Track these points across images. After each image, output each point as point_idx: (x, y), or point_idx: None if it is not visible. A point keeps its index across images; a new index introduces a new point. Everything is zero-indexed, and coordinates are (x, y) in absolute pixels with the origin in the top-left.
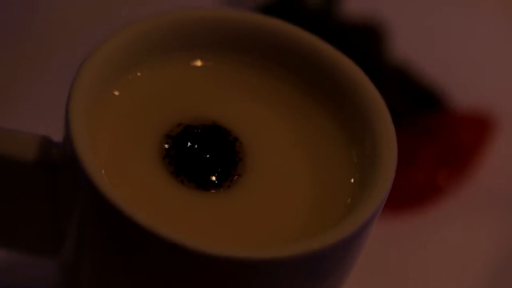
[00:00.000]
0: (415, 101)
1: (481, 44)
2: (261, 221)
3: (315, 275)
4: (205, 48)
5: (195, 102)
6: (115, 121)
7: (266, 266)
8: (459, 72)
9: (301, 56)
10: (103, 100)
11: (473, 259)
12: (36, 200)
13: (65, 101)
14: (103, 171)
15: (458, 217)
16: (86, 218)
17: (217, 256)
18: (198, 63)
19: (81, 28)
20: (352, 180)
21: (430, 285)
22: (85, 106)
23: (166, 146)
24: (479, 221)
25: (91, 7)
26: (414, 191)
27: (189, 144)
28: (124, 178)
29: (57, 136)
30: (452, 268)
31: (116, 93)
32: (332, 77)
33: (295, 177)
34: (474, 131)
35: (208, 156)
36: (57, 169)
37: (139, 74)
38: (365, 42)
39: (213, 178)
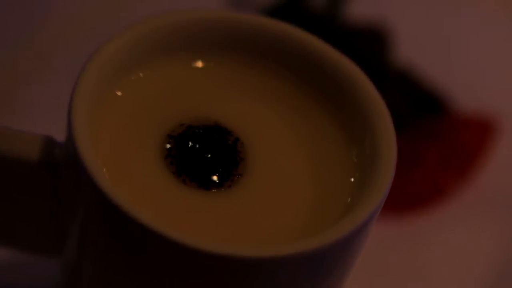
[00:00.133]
0: (418, 104)
1: (484, 48)
2: (261, 220)
3: (315, 274)
4: (207, 49)
5: (197, 103)
6: (117, 121)
7: (266, 265)
8: (462, 75)
9: (302, 57)
10: (105, 100)
11: (476, 261)
12: (39, 200)
13: (68, 101)
14: (105, 170)
15: (461, 219)
16: (88, 217)
17: (219, 255)
18: (200, 63)
19: (84, 29)
20: (352, 180)
21: (433, 286)
22: (88, 106)
23: (168, 146)
24: (481, 223)
25: (94, 8)
26: (417, 193)
27: (190, 144)
28: (126, 178)
29: (60, 136)
30: (455, 270)
31: (119, 93)
32: (332, 77)
33: (295, 176)
34: (477, 133)
35: (209, 156)
36: (60, 169)
37: (141, 74)
38: (369, 45)
39: (215, 177)
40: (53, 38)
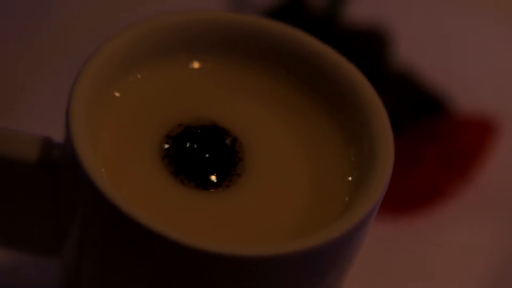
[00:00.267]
0: (418, 105)
1: (483, 48)
2: (259, 219)
3: (313, 273)
4: (205, 50)
5: (195, 103)
6: (115, 122)
7: (264, 264)
8: (462, 76)
9: (300, 58)
10: (103, 101)
11: (476, 260)
12: (38, 201)
13: (66, 102)
14: (103, 171)
15: (460, 220)
16: (87, 218)
17: (217, 254)
18: (198, 64)
19: (82, 29)
20: (350, 179)
21: (433, 286)
22: (86, 107)
23: (166, 146)
24: (481, 223)
25: (94, 8)
26: (417, 193)
27: (188, 144)
28: (124, 178)
29: (58, 137)
30: (455, 270)
31: (117, 94)
32: (331, 78)
33: (293, 176)
34: (477, 134)
35: (207, 156)
36: (59, 169)
37: (139, 76)
38: (369, 47)
39: (213, 177)
40: (52, 39)
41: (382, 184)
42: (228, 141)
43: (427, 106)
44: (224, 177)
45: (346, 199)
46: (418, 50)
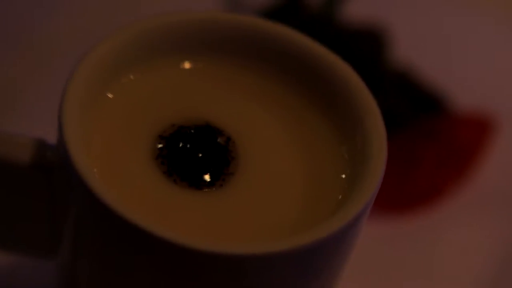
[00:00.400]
0: (416, 104)
1: (481, 47)
2: (253, 218)
3: (307, 271)
4: (197, 50)
5: (189, 103)
6: (108, 123)
7: (256, 262)
8: (460, 74)
9: (293, 56)
10: (97, 102)
11: (475, 259)
12: (33, 203)
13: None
14: (96, 172)
15: (459, 218)
16: (81, 219)
17: (211, 253)
18: (190, 65)
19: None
20: (343, 177)
21: (432, 285)
22: (79, 108)
23: (159, 146)
24: (480, 222)
25: (94, 8)
26: (416, 192)
27: (181, 144)
28: (117, 179)
29: (52, 139)
30: (454, 269)
31: (110, 95)
32: (324, 76)
33: (287, 174)
34: (475, 133)
35: (200, 155)
36: (53, 171)
37: (132, 77)
38: (366, 46)
39: (206, 177)
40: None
41: (375, 182)
42: (221, 141)
43: (425, 105)
44: (217, 176)
45: (340, 197)
46: (416, 49)
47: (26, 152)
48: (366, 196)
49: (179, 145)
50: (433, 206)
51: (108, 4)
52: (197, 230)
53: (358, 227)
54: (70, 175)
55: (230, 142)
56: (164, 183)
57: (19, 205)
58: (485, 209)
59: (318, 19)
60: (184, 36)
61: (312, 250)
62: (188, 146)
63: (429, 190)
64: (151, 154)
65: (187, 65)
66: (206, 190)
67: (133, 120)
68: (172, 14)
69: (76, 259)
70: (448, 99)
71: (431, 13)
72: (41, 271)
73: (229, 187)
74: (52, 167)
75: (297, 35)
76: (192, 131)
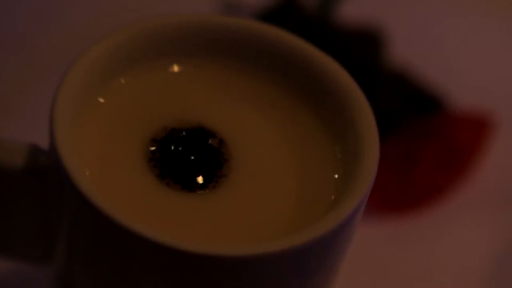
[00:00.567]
0: (414, 104)
1: (479, 46)
2: (246, 220)
3: (301, 271)
4: (188, 53)
5: (181, 106)
6: (100, 127)
7: (251, 263)
8: (457, 74)
9: (285, 58)
10: (88, 107)
11: (474, 258)
12: (27, 207)
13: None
14: (88, 175)
15: (458, 217)
16: (74, 223)
17: (204, 255)
18: (182, 67)
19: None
20: (336, 176)
21: (431, 285)
22: (70, 113)
23: (151, 149)
24: (479, 221)
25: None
26: (415, 192)
27: (174, 146)
28: (109, 183)
29: (45, 144)
30: (453, 268)
31: (101, 100)
32: (316, 77)
33: (280, 176)
34: (473, 132)
35: (192, 157)
36: (46, 176)
37: (123, 81)
38: (363, 47)
39: (198, 179)
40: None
41: (368, 182)
42: (213, 143)
43: (423, 104)
44: (210, 178)
45: (333, 197)
46: (413, 48)
47: (19, 157)
48: (359, 196)
49: (171, 148)
50: (432, 206)
51: (108, 6)
52: (191, 233)
53: (352, 227)
54: (62, 180)
55: (222, 144)
56: (157, 186)
57: (13, 210)
58: (484, 209)
59: (314, 20)
60: (176, 39)
61: (306, 250)
62: (181, 148)
63: (428, 190)
64: (143, 158)
65: (179, 68)
66: (199, 192)
67: (125, 124)
68: (164, 17)
69: (70, 264)
70: (446, 99)
71: (428, 13)
72: (36, 277)
73: (222, 189)
74: (45, 172)
75: (289, 36)
76: (184, 133)
